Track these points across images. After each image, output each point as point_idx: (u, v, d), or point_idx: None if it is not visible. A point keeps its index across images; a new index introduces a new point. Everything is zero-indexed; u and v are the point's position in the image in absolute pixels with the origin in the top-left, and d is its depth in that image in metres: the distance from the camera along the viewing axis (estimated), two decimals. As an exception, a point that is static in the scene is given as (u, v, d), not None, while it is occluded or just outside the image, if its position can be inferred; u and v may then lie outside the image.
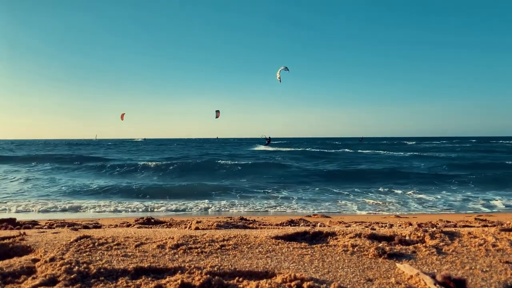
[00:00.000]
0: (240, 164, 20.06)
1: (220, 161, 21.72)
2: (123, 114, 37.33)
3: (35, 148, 49.74)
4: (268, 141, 45.36)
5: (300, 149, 42.34)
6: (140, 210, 8.81)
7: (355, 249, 1.89)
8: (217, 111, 31.28)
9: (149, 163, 20.01)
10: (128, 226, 3.88)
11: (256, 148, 44.82)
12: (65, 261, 1.63)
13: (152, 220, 4.35)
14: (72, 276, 1.46)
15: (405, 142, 79.67)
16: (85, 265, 1.59)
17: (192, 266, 1.62)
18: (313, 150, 40.25)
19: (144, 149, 47.01)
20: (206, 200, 9.97)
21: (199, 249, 1.91)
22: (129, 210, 8.79)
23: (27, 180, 14.56)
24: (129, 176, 17.01)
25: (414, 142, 74.15)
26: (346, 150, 40.16)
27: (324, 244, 2.02)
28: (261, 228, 3.24)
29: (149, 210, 8.83)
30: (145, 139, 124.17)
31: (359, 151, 37.77)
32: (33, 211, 8.61)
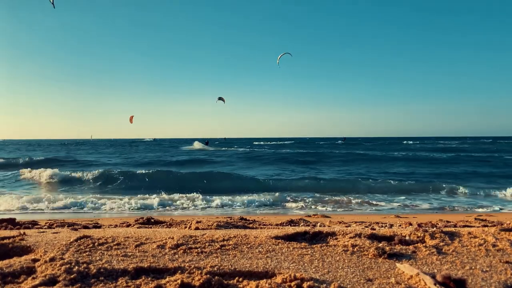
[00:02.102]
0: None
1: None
2: (132, 117, 36.96)
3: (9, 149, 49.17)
4: (206, 142, 53.09)
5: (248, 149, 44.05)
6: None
7: (355, 249, 1.89)
8: (221, 98, 30.64)
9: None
10: (128, 226, 3.88)
11: (192, 147, 50.06)
12: (65, 261, 1.63)
13: (152, 220, 4.35)
14: (72, 276, 1.46)
15: (400, 141, 79.97)
16: (85, 265, 1.59)
17: (192, 266, 1.62)
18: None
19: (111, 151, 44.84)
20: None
21: (199, 249, 1.91)
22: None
23: None
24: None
25: (406, 142, 74.61)
26: (326, 151, 39.14)
27: (324, 244, 2.02)
28: (261, 228, 3.24)
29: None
30: (155, 139, 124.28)
31: (337, 151, 37.21)
32: None
